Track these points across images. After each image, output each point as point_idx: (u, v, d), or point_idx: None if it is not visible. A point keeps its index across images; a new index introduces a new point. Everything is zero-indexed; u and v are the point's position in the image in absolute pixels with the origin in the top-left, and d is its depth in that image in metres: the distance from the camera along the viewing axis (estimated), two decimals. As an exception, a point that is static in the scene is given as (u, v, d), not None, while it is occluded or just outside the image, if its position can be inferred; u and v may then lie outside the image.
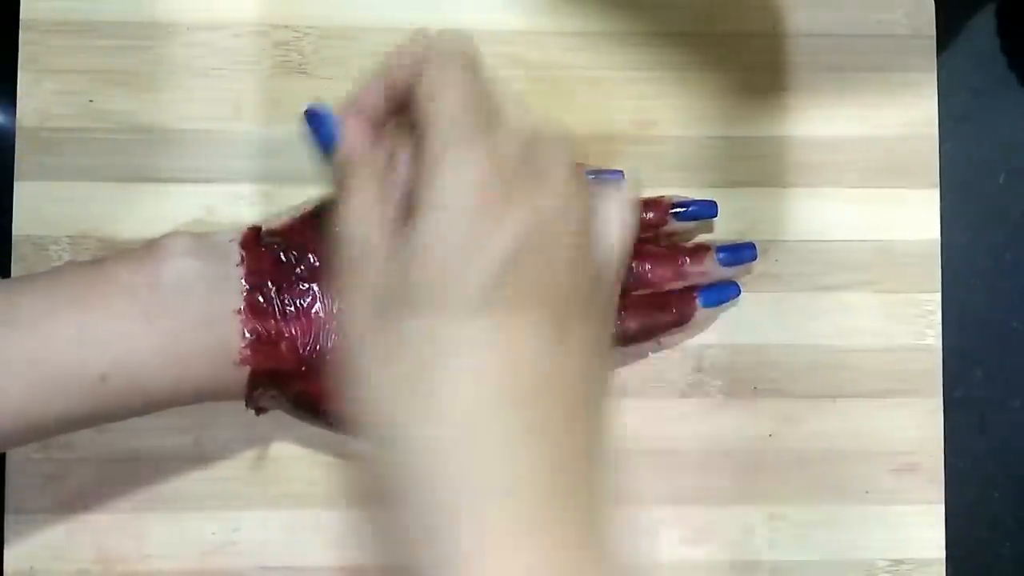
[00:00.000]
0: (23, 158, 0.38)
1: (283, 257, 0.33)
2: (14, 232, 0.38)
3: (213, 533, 0.37)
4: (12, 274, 0.37)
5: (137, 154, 0.38)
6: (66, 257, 0.38)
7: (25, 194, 0.38)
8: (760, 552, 0.38)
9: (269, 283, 0.32)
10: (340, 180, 0.30)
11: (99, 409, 0.31)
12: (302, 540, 0.37)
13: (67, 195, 0.38)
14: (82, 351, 0.30)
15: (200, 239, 0.33)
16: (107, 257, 0.32)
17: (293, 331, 0.32)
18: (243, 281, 0.32)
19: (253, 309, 0.32)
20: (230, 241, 0.33)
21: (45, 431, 0.31)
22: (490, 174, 0.27)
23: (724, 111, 0.39)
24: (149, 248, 0.32)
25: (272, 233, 0.34)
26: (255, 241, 0.33)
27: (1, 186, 0.38)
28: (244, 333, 0.31)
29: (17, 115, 0.38)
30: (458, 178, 0.27)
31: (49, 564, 0.37)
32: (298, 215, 0.34)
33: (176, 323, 0.31)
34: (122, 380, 0.30)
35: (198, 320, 0.31)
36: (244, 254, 0.32)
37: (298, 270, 0.33)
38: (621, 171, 0.38)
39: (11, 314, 0.30)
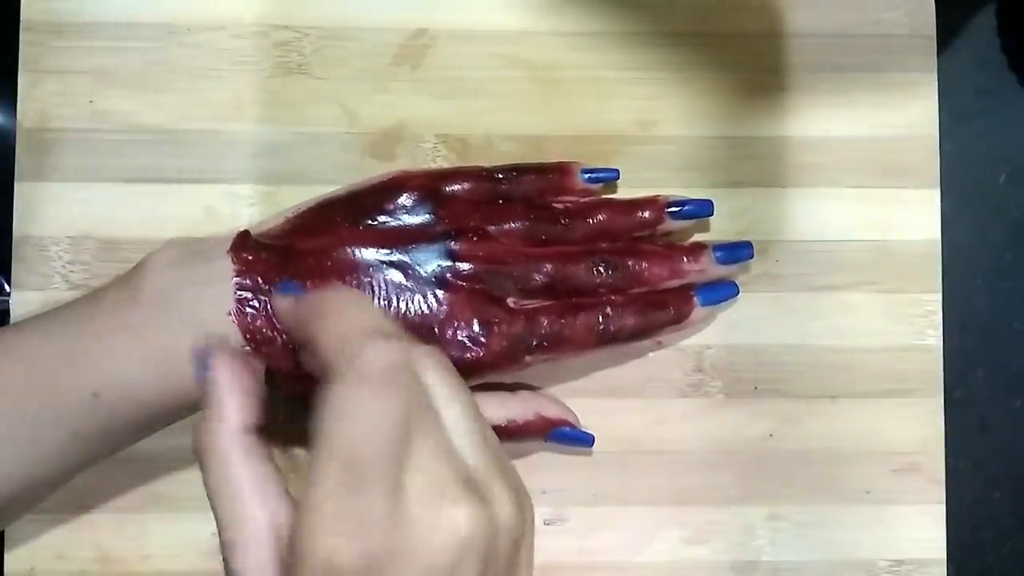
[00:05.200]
0: (23, 158, 0.38)
1: (274, 258, 0.33)
2: (14, 232, 0.38)
3: (213, 533, 0.37)
4: (12, 274, 0.38)
5: (137, 154, 0.38)
6: (66, 257, 0.38)
7: (25, 194, 0.38)
8: (760, 552, 0.38)
9: (260, 283, 0.32)
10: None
11: (99, 429, 0.31)
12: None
13: (67, 195, 0.38)
14: (73, 371, 0.30)
15: (186, 249, 0.33)
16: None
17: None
18: (234, 284, 0.32)
19: (243, 311, 0.32)
20: (219, 245, 0.33)
21: (52, 461, 0.31)
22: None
23: (724, 111, 0.39)
24: (137, 265, 0.33)
25: (263, 236, 0.34)
26: (244, 245, 0.33)
27: (1, 186, 0.38)
28: (237, 335, 0.32)
29: (17, 115, 0.38)
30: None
31: (49, 564, 0.37)
32: (290, 215, 0.35)
33: (163, 334, 0.31)
34: (114, 395, 0.31)
35: (187, 328, 0.31)
36: (233, 257, 0.32)
37: (289, 269, 0.33)
38: (617, 170, 0.38)
39: (10, 349, 0.31)
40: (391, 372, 0.25)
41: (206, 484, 0.27)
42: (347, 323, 0.27)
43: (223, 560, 0.27)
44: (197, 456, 0.27)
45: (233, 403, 0.27)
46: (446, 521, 0.24)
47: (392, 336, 0.26)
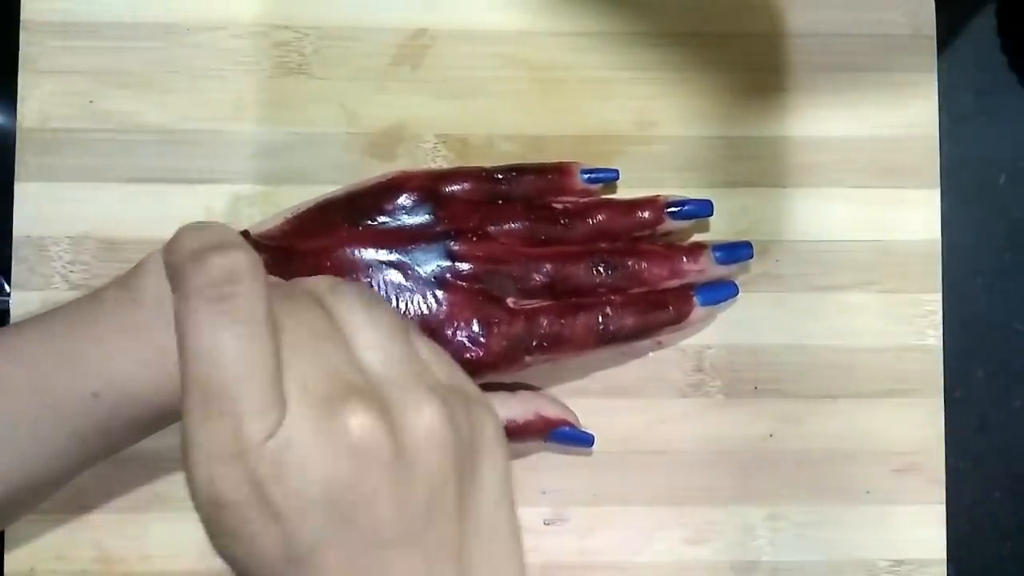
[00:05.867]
0: (23, 158, 0.38)
1: (274, 259, 0.33)
2: (14, 232, 0.38)
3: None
4: (12, 274, 0.38)
5: (137, 154, 0.38)
6: (66, 257, 0.38)
7: (25, 194, 0.38)
8: (760, 552, 0.38)
9: None
10: None
11: (98, 429, 0.31)
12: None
13: (67, 195, 0.38)
14: (74, 371, 0.30)
15: None
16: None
17: None
18: None
19: None
20: None
21: (52, 461, 0.31)
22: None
23: (724, 111, 0.39)
24: (137, 265, 0.32)
25: (262, 236, 0.34)
26: None
27: (1, 186, 0.38)
28: None
29: (17, 115, 0.38)
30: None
31: (49, 564, 0.37)
32: (289, 215, 0.35)
33: (164, 336, 0.31)
34: (114, 395, 0.30)
35: None
36: None
37: (290, 270, 0.33)
38: (617, 170, 0.38)
39: (10, 350, 0.30)
40: (225, 285, 0.23)
41: None
42: (192, 239, 0.24)
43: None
44: None
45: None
46: (333, 431, 0.22)
47: (232, 245, 0.23)
